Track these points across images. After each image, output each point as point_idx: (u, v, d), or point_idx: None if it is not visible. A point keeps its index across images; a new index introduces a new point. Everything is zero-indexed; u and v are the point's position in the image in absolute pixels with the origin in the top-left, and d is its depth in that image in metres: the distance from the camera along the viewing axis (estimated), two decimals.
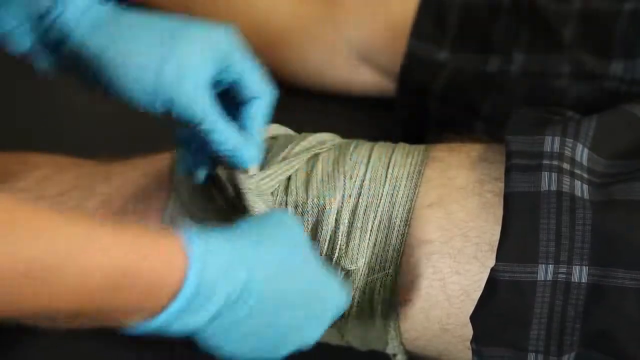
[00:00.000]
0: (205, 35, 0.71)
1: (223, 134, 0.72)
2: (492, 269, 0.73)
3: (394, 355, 0.82)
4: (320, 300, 0.68)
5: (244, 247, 0.63)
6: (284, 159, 0.80)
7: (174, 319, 0.60)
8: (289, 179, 0.79)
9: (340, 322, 0.80)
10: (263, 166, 0.79)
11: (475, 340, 0.75)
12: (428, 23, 1.03)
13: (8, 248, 0.54)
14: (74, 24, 0.69)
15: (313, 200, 0.78)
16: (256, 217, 0.71)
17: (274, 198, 0.78)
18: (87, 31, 0.69)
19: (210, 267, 0.60)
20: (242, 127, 0.74)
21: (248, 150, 0.73)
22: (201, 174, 0.77)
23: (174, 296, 0.60)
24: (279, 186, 0.79)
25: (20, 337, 0.93)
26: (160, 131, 1.08)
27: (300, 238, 0.68)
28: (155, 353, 0.96)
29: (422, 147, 0.82)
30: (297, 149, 0.80)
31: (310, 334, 0.68)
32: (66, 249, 0.56)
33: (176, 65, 0.69)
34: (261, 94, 0.74)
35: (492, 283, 0.73)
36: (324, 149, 0.81)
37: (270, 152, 0.81)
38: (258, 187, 0.76)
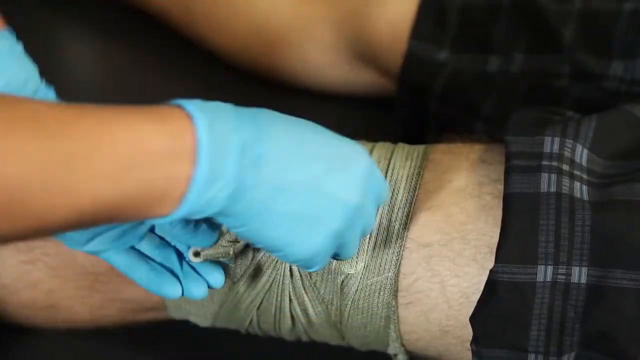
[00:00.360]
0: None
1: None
2: (491, 270, 0.73)
3: (395, 355, 0.82)
4: (343, 156, 0.65)
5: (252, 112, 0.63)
6: None
7: (201, 191, 0.59)
8: None
9: (340, 324, 0.80)
10: None
11: (475, 341, 0.75)
12: (428, 23, 1.03)
13: (45, 143, 0.54)
14: None
15: None
16: None
17: None
18: None
19: (217, 127, 0.59)
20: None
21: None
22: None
23: (193, 164, 0.58)
24: None
25: (20, 337, 0.93)
26: None
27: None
28: (155, 353, 0.96)
29: (421, 148, 0.82)
30: None
31: (340, 188, 0.64)
32: (95, 137, 0.56)
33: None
34: None
35: (492, 284, 0.73)
36: None
37: None
38: None
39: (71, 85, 1.17)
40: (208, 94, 1.15)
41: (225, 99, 1.06)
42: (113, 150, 0.56)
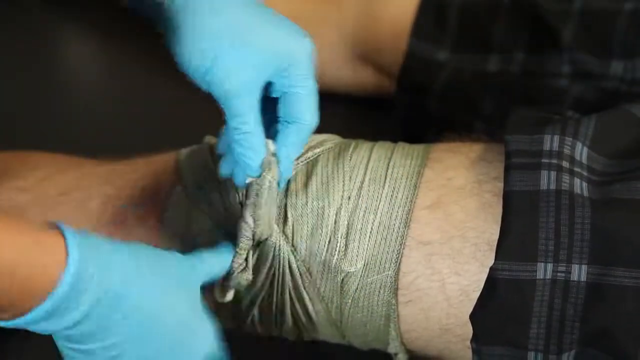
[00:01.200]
0: (278, 36, 0.72)
1: (245, 117, 0.71)
2: (491, 268, 0.73)
3: (395, 354, 0.82)
4: (187, 344, 0.68)
5: (126, 260, 0.64)
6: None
7: (39, 319, 0.61)
8: (288, 181, 0.79)
9: (340, 322, 0.80)
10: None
11: (474, 339, 0.75)
12: (428, 23, 1.03)
13: None
14: None
15: (312, 202, 0.78)
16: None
17: None
18: None
19: (84, 270, 0.61)
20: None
21: (257, 152, 0.72)
22: (240, 178, 0.75)
23: (43, 298, 0.60)
24: None
25: (19, 337, 0.93)
26: (161, 131, 1.08)
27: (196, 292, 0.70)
28: None
29: (421, 147, 0.82)
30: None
31: None
32: None
33: (234, 58, 0.70)
34: (305, 120, 0.73)
35: (492, 282, 0.73)
36: (324, 150, 0.81)
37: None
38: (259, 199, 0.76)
39: (71, 85, 1.17)
40: (206, 94, 1.15)
41: None
42: None
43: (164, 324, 0.66)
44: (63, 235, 0.62)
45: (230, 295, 0.75)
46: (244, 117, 0.71)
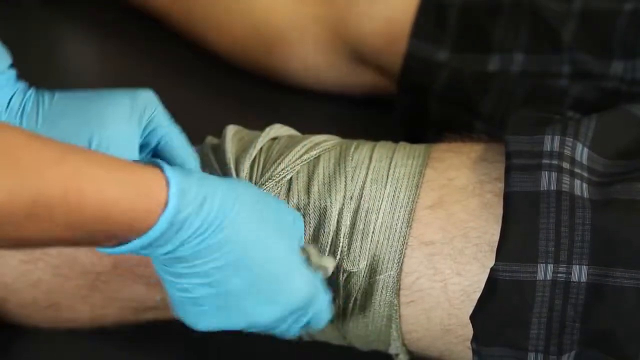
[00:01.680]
0: (127, 103, 0.72)
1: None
2: (491, 269, 0.74)
3: (397, 355, 0.82)
4: (280, 277, 0.69)
5: (223, 189, 0.66)
6: (285, 161, 0.80)
7: (141, 248, 0.64)
8: (290, 181, 0.79)
9: (341, 324, 0.80)
10: (265, 170, 0.79)
11: (475, 340, 0.75)
12: (428, 23, 1.03)
13: (13, 187, 0.56)
14: None
15: (314, 202, 0.78)
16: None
17: None
18: (12, 118, 0.72)
19: (185, 203, 0.63)
20: None
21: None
22: None
23: (148, 228, 0.63)
24: (280, 189, 0.79)
25: (20, 337, 0.93)
26: None
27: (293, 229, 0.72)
28: (155, 354, 0.96)
29: (423, 147, 0.82)
30: (298, 150, 0.80)
31: (261, 307, 0.69)
32: (64, 186, 0.58)
33: (103, 139, 0.71)
34: (185, 158, 0.75)
35: (492, 283, 0.74)
36: (325, 150, 0.81)
37: (272, 154, 0.81)
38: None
39: (71, 85, 1.17)
40: (208, 94, 1.15)
41: (225, 99, 1.06)
42: (77, 208, 0.59)
43: (262, 257, 0.68)
44: (163, 173, 0.63)
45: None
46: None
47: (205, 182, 0.65)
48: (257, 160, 0.80)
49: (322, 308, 0.73)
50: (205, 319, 0.70)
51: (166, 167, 0.64)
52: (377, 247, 0.77)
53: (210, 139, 0.85)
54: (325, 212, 0.77)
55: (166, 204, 0.63)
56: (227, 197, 0.66)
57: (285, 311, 0.70)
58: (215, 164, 0.81)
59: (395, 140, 0.84)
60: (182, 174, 0.64)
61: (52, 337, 0.92)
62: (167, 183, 0.63)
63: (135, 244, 0.63)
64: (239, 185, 0.68)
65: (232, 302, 0.69)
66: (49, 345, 0.94)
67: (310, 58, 1.07)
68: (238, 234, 0.66)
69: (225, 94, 1.12)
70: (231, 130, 0.83)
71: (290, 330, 0.73)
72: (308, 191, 0.78)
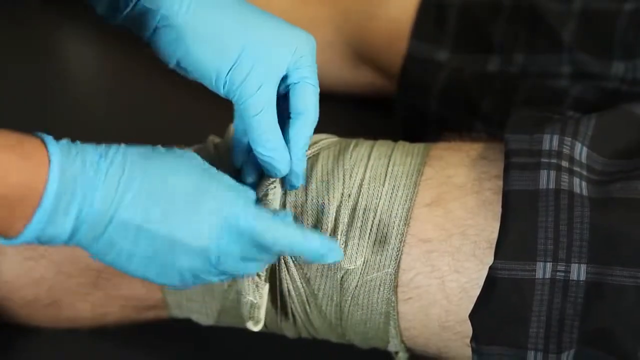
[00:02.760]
0: (286, 31, 0.73)
1: (270, 134, 0.73)
2: (490, 267, 0.74)
3: (395, 352, 0.82)
4: (198, 202, 0.67)
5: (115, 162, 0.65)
6: None
7: (40, 229, 0.63)
8: None
9: (340, 321, 0.80)
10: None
11: (474, 338, 0.75)
12: (428, 23, 1.03)
13: None
14: None
15: (312, 200, 0.78)
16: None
17: None
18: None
19: (68, 173, 0.63)
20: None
21: (284, 160, 0.74)
22: (249, 177, 0.77)
23: (36, 207, 0.62)
24: (277, 187, 0.79)
25: (20, 337, 0.93)
26: (162, 131, 1.09)
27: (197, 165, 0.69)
28: (156, 354, 0.96)
29: (421, 145, 0.82)
30: None
31: (188, 235, 0.67)
32: None
33: (253, 56, 0.71)
34: (308, 110, 0.74)
35: (491, 281, 0.74)
36: (323, 148, 0.81)
37: None
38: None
39: (71, 85, 1.17)
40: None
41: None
42: None
43: (172, 191, 0.66)
44: (45, 148, 0.63)
45: (260, 325, 0.75)
46: (268, 131, 0.73)
47: (87, 149, 0.65)
48: None
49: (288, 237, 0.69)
50: (154, 269, 0.68)
51: (48, 139, 0.63)
52: (374, 244, 0.77)
53: (213, 138, 0.85)
54: (323, 210, 0.77)
55: (49, 162, 0.62)
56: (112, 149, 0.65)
57: (220, 224, 0.68)
58: (217, 163, 0.81)
59: (395, 140, 0.84)
60: (64, 145, 0.64)
61: (53, 337, 0.92)
62: (46, 145, 0.63)
63: (36, 218, 0.62)
64: (130, 151, 0.67)
65: (160, 242, 0.67)
66: (49, 345, 0.94)
67: None
68: (138, 169, 0.65)
69: None
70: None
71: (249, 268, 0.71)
72: (306, 189, 0.78)
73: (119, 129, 1.11)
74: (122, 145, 0.66)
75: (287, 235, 0.68)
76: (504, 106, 0.99)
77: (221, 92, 0.73)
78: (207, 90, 0.71)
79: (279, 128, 0.73)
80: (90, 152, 0.65)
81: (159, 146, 0.69)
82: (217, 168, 0.81)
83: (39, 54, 1.17)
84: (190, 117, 1.11)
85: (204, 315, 0.83)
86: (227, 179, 0.70)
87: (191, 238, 0.66)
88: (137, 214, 0.65)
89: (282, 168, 0.74)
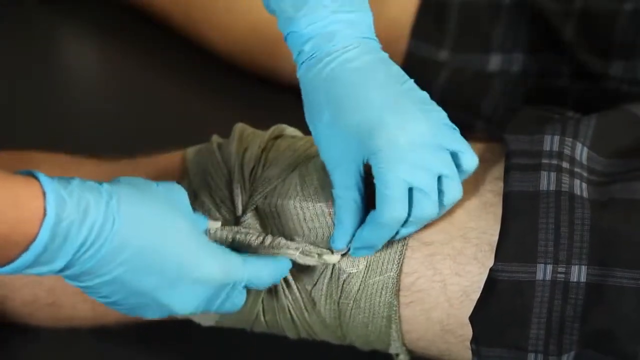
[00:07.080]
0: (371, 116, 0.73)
1: (350, 212, 0.73)
2: (491, 269, 0.74)
3: (397, 355, 0.82)
4: (185, 264, 0.68)
5: (109, 193, 0.65)
6: (288, 165, 0.80)
7: (27, 266, 0.62)
8: (289, 181, 0.79)
9: (341, 324, 0.80)
10: (265, 169, 0.79)
11: (474, 340, 0.75)
12: (428, 22, 1.03)
13: None
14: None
15: (313, 203, 0.78)
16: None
17: None
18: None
19: (65, 216, 0.62)
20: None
21: (344, 238, 0.74)
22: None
23: (26, 248, 0.62)
24: (277, 189, 0.79)
25: (20, 337, 0.93)
26: (163, 130, 1.09)
27: (184, 208, 0.70)
28: (156, 354, 0.96)
29: None
30: (297, 153, 0.81)
31: (177, 297, 0.69)
32: None
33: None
34: (380, 216, 0.72)
35: (491, 283, 0.74)
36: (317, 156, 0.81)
37: (272, 154, 0.81)
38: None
39: (71, 85, 1.17)
40: (208, 94, 1.15)
41: (225, 99, 1.06)
42: None
43: (162, 253, 0.67)
44: (41, 187, 0.62)
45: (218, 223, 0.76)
46: (343, 188, 0.73)
47: (86, 188, 0.64)
48: (260, 160, 0.81)
49: (236, 285, 0.72)
50: (138, 312, 0.70)
51: (42, 176, 0.63)
52: None
53: (216, 138, 0.85)
54: (323, 212, 0.77)
55: (44, 213, 0.61)
56: (112, 202, 0.64)
57: (205, 294, 0.70)
58: (221, 162, 0.81)
59: None
60: (60, 182, 0.63)
61: (53, 336, 0.92)
62: (44, 193, 0.62)
63: (21, 260, 0.62)
64: (123, 187, 0.66)
65: (148, 299, 0.68)
66: (49, 345, 0.94)
67: None
68: (133, 235, 0.65)
69: (225, 94, 1.13)
70: (239, 130, 0.83)
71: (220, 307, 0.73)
72: (304, 192, 0.78)
73: (118, 129, 1.11)
74: (114, 198, 0.65)
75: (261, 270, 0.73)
76: (504, 106, 0.99)
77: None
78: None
79: (354, 196, 0.73)
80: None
81: (155, 185, 0.70)
82: (217, 169, 0.81)
83: (39, 54, 1.17)
84: (190, 117, 1.11)
85: (204, 316, 0.83)
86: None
87: (179, 305, 0.69)
88: (126, 276, 0.66)
89: (339, 246, 0.75)
